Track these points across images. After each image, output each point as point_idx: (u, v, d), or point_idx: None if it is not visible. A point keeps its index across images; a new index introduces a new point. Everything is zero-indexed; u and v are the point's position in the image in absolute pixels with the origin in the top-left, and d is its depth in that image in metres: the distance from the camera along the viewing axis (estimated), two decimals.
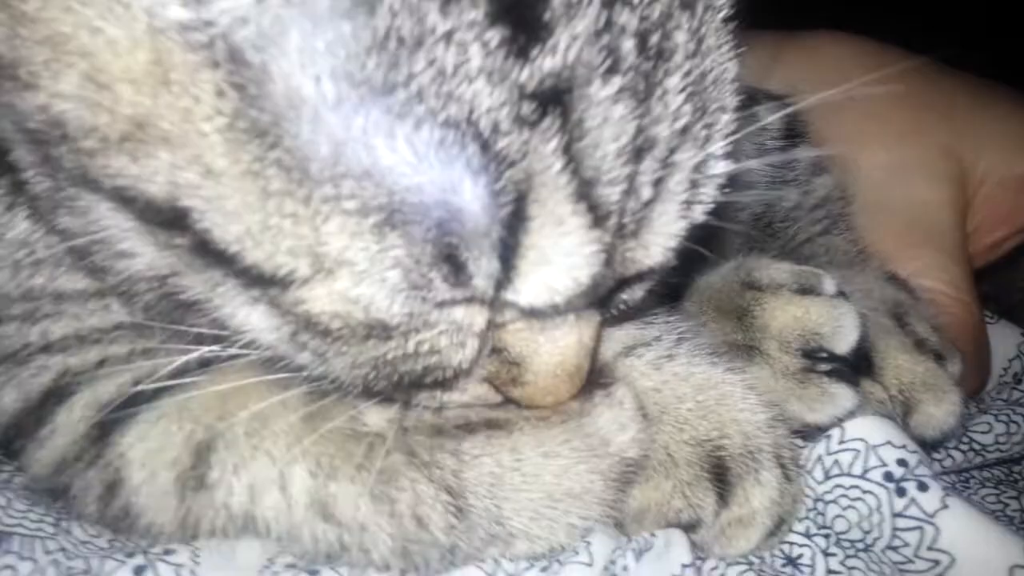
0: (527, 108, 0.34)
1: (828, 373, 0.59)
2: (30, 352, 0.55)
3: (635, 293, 0.48)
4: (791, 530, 0.56)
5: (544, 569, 0.50)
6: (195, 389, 0.53)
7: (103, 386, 0.55)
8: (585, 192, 0.37)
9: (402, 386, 0.45)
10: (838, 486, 0.56)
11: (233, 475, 0.51)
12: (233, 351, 0.46)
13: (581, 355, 0.46)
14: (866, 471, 0.55)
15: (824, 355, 0.59)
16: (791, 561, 0.56)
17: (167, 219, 0.38)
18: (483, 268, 0.37)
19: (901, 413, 0.62)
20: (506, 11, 0.33)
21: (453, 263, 0.37)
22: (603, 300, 0.46)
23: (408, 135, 0.34)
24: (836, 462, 0.57)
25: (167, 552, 0.51)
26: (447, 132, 0.34)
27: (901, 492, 0.53)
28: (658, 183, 0.40)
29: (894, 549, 0.53)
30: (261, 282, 0.38)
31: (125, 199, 0.38)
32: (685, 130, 0.40)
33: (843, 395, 0.59)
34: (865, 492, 0.55)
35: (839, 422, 0.58)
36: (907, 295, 0.69)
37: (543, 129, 0.35)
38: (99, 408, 0.54)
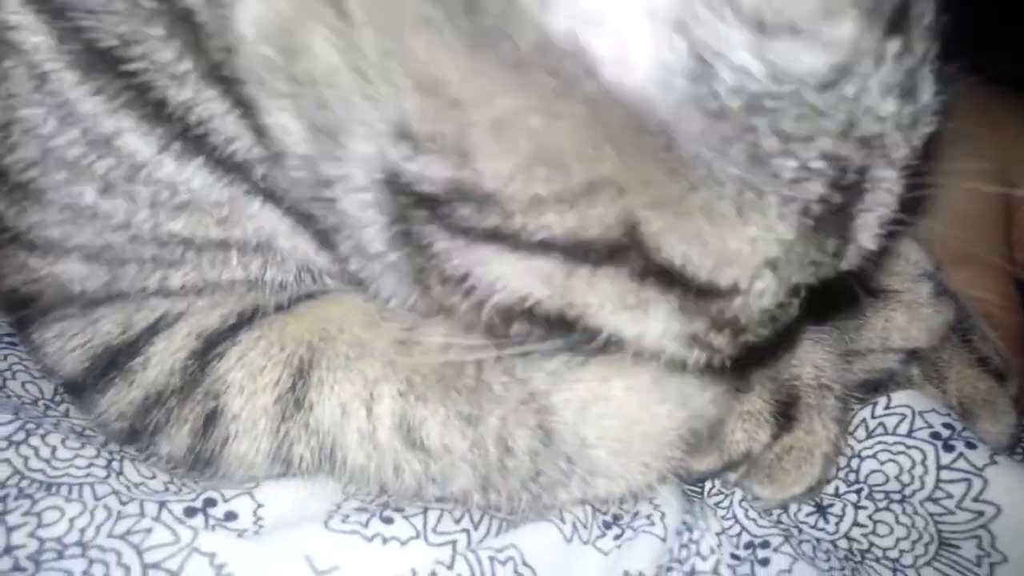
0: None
1: None
2: (144, 297, 0.54)
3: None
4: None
5: (618, 537, 0.53)
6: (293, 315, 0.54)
7: (207, 316, 0.54)
8: None
9: None
10: (880, 443, 0.60)
11: (329, 393, 0.51)
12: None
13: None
14: (912, 431, 0.60)
15: None
16: (820, 509, 0.60)
17: (603, 257, 0.39)
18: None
19: None
20: None
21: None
22: None
23: None
24: (881, 424, 0.61)
25: (228, 517, 0.51)
26: None
27: (949, 448, 0.58)
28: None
29: (934, 501, 0.57)
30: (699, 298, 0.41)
31: (545, 244, 0.38)
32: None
33: None
34: (910, 447, 0.59)
35: None
36: (963, 310, 0.70)
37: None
38: (201, 338, 0.54)
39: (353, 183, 0.41)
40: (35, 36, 0.46)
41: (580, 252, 0.39)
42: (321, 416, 0.51)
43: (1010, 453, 0.64)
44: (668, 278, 0.39)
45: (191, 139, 0.47)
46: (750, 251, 0.38)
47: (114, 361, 0.54)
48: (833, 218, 0.39)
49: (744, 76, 0.33)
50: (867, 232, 0.42)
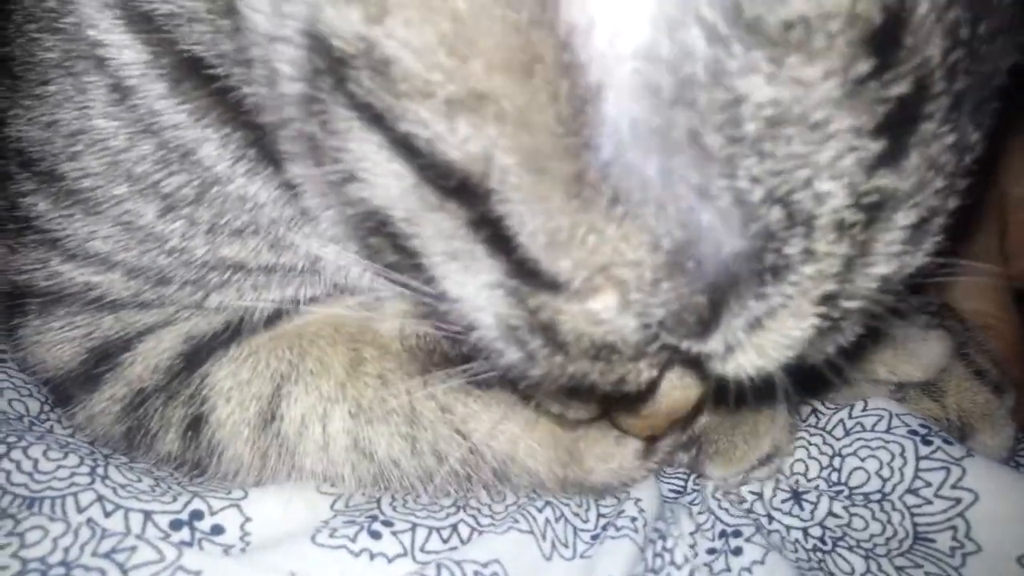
0: (851, 215, 0.35)
1: None
2: (177, 310, 0.56)
3: None
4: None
5: (596, 537, 0.54)
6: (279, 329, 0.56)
7: (196, 322, 0.56)
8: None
9: (572, 394, 0.48)
10: (859, 439, 0.61)
11: (294, 405, 0.55)
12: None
13: (695, 404, 0.50)
14: (890, 428, 0.60)
15: None
16: (795, 495, 0.61)
17: (451, 186, 0.36)
18: (727, 335, 0.38)
19: (956, 437, 0.63)
20: (889, 126, 0.34)
21: (708, 319, 0.38)
22: None
23: (752, 202, 0.34)
24: (859, 423, 0.62)
25: (215, 531, 0.52)
26: (791, 214, 0.34)
27: (927, 442, 0.58)
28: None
29: (913, 492, 0.58)
30: (526, 277, 0.38)
31: (411, 148, 0.36)
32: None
33: None
34: (889, 443, 0.60)
35: None
36: (958, 323, 0.71)
37: (848, 236, 0.36)
38: (188, 341, 0.56)
39: (284, 34, 0.39)
40: (127, 53, 0.47)
41: (432, 171, 0.37)
42: (287, 426, 0.55)
43: (1007, 465, 0.64)
44: (499, 241, 0.37)
45: (264, 148, 0.47)
46: (601, 249, 0.36)
47: (108, 354, 0.56)
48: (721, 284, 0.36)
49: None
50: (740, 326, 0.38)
